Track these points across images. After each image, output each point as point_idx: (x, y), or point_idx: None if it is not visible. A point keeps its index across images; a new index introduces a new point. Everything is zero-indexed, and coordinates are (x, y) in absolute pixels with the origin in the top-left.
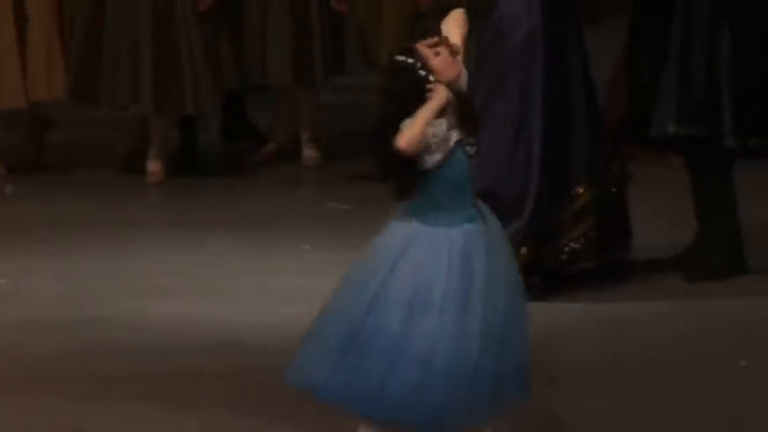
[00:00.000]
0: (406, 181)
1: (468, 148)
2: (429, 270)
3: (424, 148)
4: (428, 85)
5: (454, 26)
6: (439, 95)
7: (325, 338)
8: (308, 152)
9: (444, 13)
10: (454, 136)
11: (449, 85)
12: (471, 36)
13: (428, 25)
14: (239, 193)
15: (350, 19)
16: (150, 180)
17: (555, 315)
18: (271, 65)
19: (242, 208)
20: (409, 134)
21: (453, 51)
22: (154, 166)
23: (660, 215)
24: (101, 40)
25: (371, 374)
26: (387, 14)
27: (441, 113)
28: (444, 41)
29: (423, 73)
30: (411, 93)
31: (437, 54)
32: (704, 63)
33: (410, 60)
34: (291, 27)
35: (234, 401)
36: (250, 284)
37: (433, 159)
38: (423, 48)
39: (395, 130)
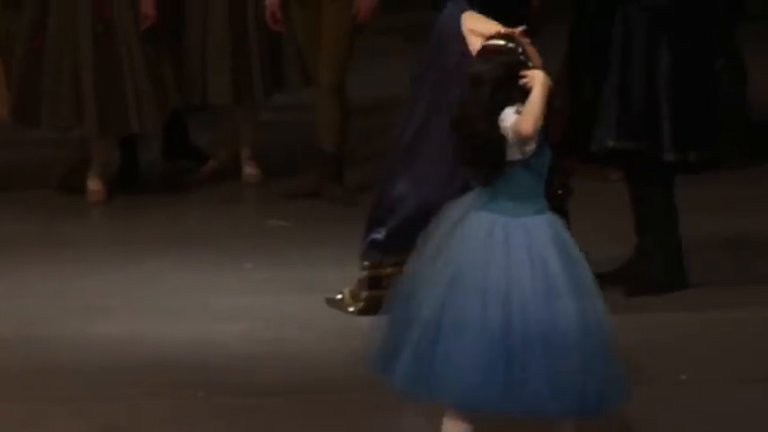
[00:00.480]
0: (496, 166)
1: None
2: (519, 263)
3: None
4: (524, 71)
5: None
6: (542, 81)
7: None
8: (249, 170)
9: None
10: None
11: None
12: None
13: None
14: (180, 211)
15: (288, 38)
16: (91, 199)
17: None
18: (210, 84)
19: (183, 226)
20: (532, 118)
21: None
22: (95, 185)
23: (600, 229)
24: (41, 61)
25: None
26: (325, 35)
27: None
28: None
29: (522, 57)
30: (507, 76)
31: (528, 43)
32: (644, 78)
33: (510, 44)
34: (230, 46)
35: (177, 418)
36: (192, 302)
37: (528, 148)
38: (520, 34)
39: (492, 111)
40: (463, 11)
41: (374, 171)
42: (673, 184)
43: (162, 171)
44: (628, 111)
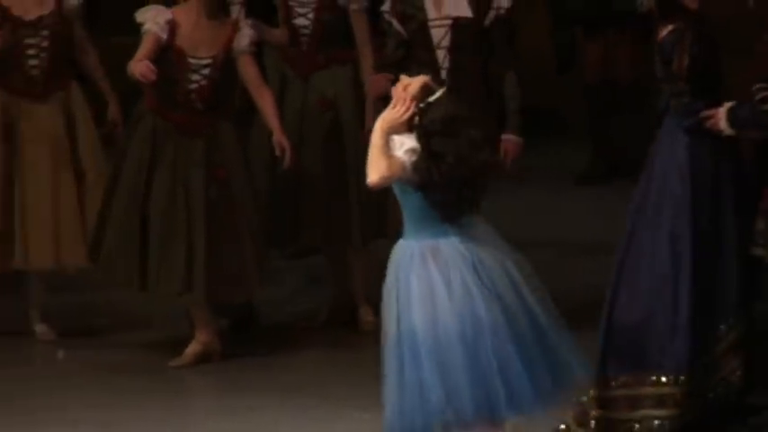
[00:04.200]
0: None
1: None
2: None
3: None
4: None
5: None
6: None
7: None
8: (366, 317)
9: None
10: None
11: None
12: None
13: None
14: (291, 360)
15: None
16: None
17: None
18: (327, 228)
19: (296, 375)
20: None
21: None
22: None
23: None
24: (141, 225)
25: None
26: None
27: None
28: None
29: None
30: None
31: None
32: None
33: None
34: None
35: None
36: None
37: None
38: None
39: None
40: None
41: None
42: None
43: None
44: None
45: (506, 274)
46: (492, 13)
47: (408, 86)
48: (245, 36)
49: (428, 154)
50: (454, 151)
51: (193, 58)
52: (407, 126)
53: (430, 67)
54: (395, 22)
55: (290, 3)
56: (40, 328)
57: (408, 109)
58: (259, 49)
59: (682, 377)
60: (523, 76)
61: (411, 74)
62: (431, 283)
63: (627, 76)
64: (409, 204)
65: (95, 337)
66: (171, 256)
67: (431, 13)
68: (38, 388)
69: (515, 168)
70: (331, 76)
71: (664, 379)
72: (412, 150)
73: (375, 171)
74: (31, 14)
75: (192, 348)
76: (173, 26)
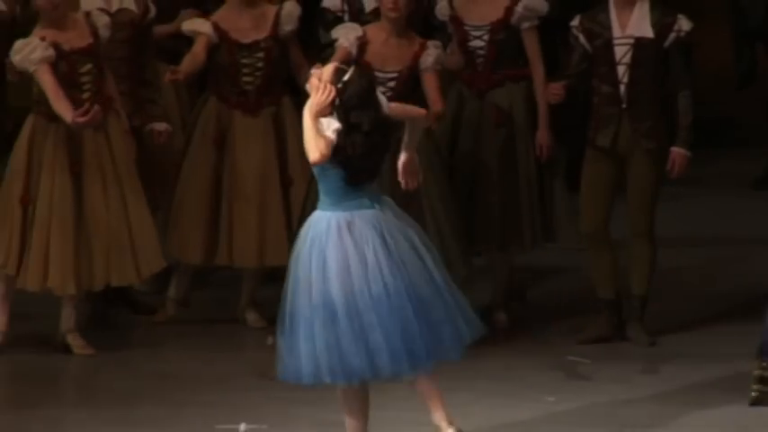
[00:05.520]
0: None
1: None
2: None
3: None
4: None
5: None
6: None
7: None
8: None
9: None
10: None
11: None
12: None
13: None
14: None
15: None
16: None
17: None
18: (501, 233)
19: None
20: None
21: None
22: None
23: None
24: None
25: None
26: (631, 186)
27: None
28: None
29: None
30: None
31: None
32: None
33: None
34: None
35: None
36: None
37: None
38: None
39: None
40: None
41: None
42: None
43: None
44: None
45: (410, 242)
46: (672, 36)
47: (321, 75)
48: (431, 55)
49: (347, 127)
50: (369, 120)
51: (380, 71)
52: (331, 108)
53: (609, 81)
54: (581, 38)
55: (466, 27)
56: (250, 316)
57: (329, 92)
58: None
59: None
60: (704, 90)
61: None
62: (346, 255)
63: None
64: (328, 180)
65: None
66: None
67: (616, 32)
68: (250, 372)
69: (683, 176)
70: (506, 92)
71: None
72: (337, 130)
73: (315, 150)
74: (248, 38)
75: None
76: (363, 42)
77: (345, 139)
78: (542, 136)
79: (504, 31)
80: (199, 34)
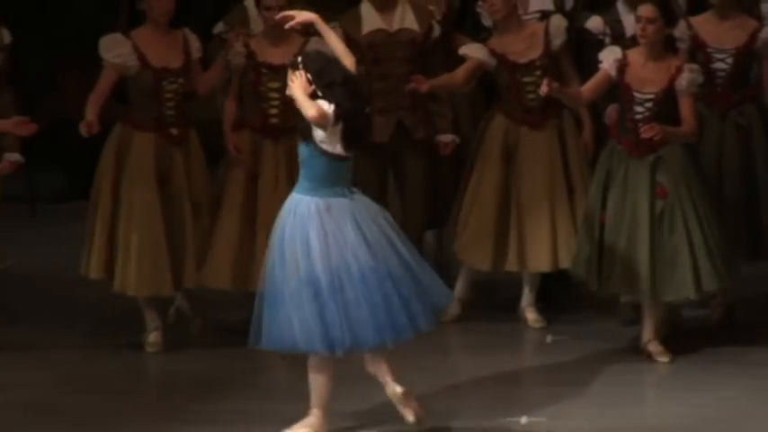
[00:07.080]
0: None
1: None
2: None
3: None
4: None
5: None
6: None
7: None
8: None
9: None
10: None
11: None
12: None
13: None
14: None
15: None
16: None
17: None
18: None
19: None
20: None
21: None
22: None
23: None
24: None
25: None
26: None
27: None
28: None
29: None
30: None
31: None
32: None
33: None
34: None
35: None
36: None
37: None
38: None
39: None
40: None
41: None
42: None
43: None
44: None
45: (380, 227)
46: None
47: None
48: (686, 78)
49: (327, 89)
50: (338, 71)
51: (638, 92)
52: (310, 85)
53: None
54: None
55: (709, 50)
56: (531, 316)
57: (299, 75)
58: None
59: None
60: None
61: None
62: (326, 236)
63: None
64: (313, 167)
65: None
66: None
67: None
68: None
69: None
70: (744, 111)
71: None
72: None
73: (312, 108)
74: (525, 58)
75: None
76: (622, 65)
77: (332, 99)
78: None
79: (747, 55)
80: (471, 59)
